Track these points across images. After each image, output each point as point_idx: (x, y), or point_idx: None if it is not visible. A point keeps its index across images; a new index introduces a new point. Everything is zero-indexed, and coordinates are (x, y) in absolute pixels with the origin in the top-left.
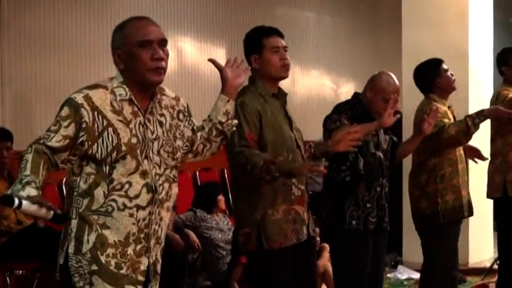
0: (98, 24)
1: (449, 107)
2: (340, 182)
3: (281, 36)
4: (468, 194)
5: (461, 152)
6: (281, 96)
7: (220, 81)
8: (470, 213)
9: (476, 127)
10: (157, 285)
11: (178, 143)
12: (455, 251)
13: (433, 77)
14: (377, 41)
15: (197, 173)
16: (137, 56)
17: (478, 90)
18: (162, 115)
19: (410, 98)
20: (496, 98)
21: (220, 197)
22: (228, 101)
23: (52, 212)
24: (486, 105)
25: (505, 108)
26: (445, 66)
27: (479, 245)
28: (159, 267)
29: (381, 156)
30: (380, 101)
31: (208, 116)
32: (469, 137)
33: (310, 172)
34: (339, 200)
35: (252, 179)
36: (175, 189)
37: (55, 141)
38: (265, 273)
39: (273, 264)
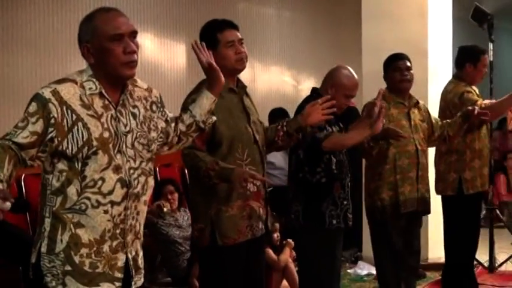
0: (61, 21)
1: (401, 103)
2: (316, 184)
3: (235, 28)
4: (415, 190)
5: (409, 148)
6: (240, 89)
7: (207, 80)
8: (422, 208)
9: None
10: (142, 279)
11: (153, 134)
12: (399, 244)
13: (386, 73)
14: (337, 37)
15: (157, 169)
16: (109, 50)
17: (437, 86)
18: (135, 107)
19: (370, 94)
20: (459, 99)
21: (170, 188)
22: (214, 100)
23: (8, 203)
24: None
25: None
26: (401, 63)
27: (438, 240)
28: (140, 261)
29: (346, 151)
30: (342, 98)
31: (190, 111)
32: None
33: (247, 181)
34: (315, 202)
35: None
36: (151, 182)
37: (22, 138)
38: (218, 269)
39: (226, 260)
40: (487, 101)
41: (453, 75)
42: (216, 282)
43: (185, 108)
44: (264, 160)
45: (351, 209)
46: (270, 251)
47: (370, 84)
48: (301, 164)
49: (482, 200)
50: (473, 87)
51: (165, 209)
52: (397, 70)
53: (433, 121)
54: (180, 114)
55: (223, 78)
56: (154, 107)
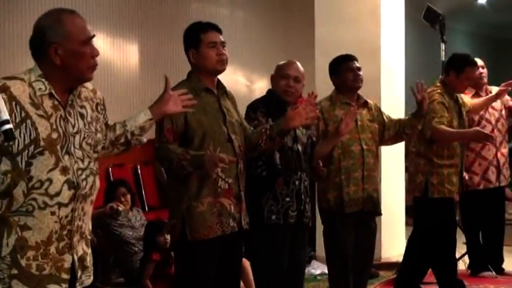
0: (8, 21)
1: (348, 104)
2: (257, 177)
3: (219, 31)
4: (360, 189)
5: (354, 148)
6: (220, 90)
7: (162, 94)
8: (370, 208)
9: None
10: (91, 277)
11: (99, 136)
12: (347, 244)
13: (331, 74)
14: (290, 36)
15: (110, 169)
16: (81, 54)
17: (390, 86)
18: (82, 107)
19: (323, 93)
20: (432, 102)
21: (122, 190)
22: (151, 119)
23: None
24: (398, 100)
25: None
26: (353, 64)
27: (391, 240)
28: (88, 259)
29: (299, 149)
30: (281, 80)
31: (124, 121)
32: None
33: (217, 165)
34: (255, 196)
35: (175, 174)
36: (98, 183)
37: None
38: (188, 264)
39: (196, 255)
40: (475, 100)
41: (439, 79)
42: (186, 277)
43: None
44: (239, 158)
45: (294, 206)
46: None
47: (323, 84)
48: (248, 160)
49: (451, 206)
50: (462, 95)
51: (120, 209)
52: (350, 70)
53: (386, 119)
54: (114, 123)
55: (170, 102)
56: (99, 108)
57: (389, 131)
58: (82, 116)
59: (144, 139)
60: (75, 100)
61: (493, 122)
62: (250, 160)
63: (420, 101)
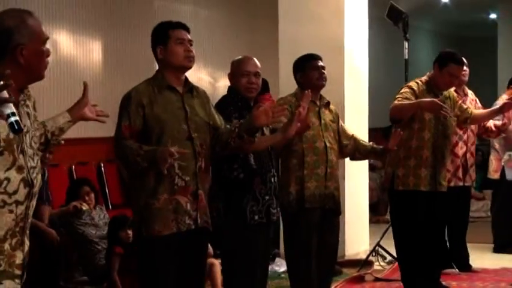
0: None
1: (313, 102)
2: (234, 180)
3: (187, 30)
4: (322, 186)
5: (318, 144)
6: (186, 88)
7: (80, 99)
8: (330, 205)
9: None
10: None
11: (38, 134)
12: (309, 240)
13: (295, 72)
14: (254, 34)
15: (73, 167)
16: (42, 53)
17: (354, 84)
18: (27, 106)
19: (288, 91)
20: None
21: (86, 189)
22: (70, 121)
23: None
24: (362, 98)
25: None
26: (318, 63)
27: (355, 237)
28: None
29: (268, 146)
30: (242, 79)
31: (43, 122)
32: None
33: (166, 161)
34: (235, 198)
35: (132, 170)
36: (40, 179)
37: None
38: (145, 261)
39: (152, 252)
40: (476, 111)
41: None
42: (146, 274)
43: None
44: (198, 156)
45: (274, 203)
46: None
47: (287, 82)
48: (220, 162)
49: (418, 199)
50: (450, 93)
51: (84, 208)
52: (315, 69)
53: (341, 129)
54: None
55: (87, 108)
56: (35, 106)
57: (346, 144)
58: (28, 114)
59: (62, 141)
60: (24, 99)
61: None
62: (226, 163)
63: (389, 149)
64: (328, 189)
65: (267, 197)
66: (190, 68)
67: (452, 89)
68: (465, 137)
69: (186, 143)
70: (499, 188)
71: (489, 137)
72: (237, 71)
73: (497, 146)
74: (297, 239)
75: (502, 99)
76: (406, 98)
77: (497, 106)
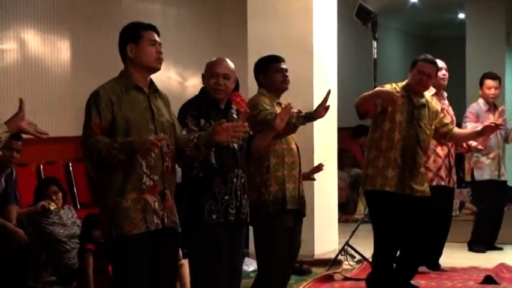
0: None
1: (279, 103)
2: (194, 178)
3: (158, 33)
4: (297, 188)
5: (293, 146)
6: (151, 89)
7: (17, 113)
8: (301, 208)
9: (299, 119)
10: None
11: None
12: (284, 241)
13: (257, 73)
14: (223, 33)
15: (41, 166)
16: None
17: (322, 84)
18: None
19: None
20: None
21: (54, 189)
22: (7, 132)
23: None
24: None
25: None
26: (282, 65)
27: (324, 236)
28: None
29: (235, 146)
30: (211, 79)
31: None
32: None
33: (154, 145)
34: (196, 195)
35: (105, 166)
36: None
37: None
38: (117, 261)
39: (122, 252)
40: (458, 130)
41: None
42: (118, 274)
43: None
44: (165, 155)
45: (233, 204)
46: None
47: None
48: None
49: (385, 199)
50: (431, 104)
51: (52, 208)
52: (279, 71)
53: None
54: None
55: (24, 120)
56: None
57: None
58: None
59: None
60: None
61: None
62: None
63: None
64: (301, 191)
65: (226, 197)
66: (158, 70)
67: (432, 98)
68: None
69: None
70: (473, 189)
71: (457, 150)
72: (208, 71)
73: None
74: (272, 241)
75: (479, 103)
76: None
77: (479, 128)
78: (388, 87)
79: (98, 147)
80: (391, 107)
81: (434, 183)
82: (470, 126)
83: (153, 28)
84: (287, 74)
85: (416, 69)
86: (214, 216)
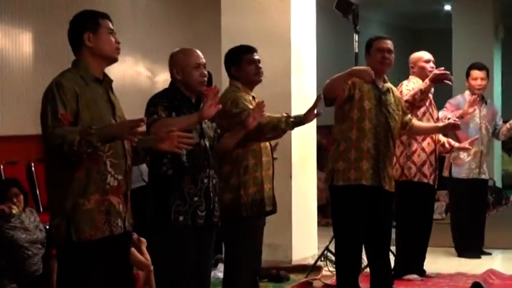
0: None
1: (253, 97)
2: (162, 176)
3: (112, 22)
4: (271, 188)
5: (267, 144)
6: (106, 82)
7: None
8: (274, 209)
9: (288, 125)
10: None
11: None
12: (258, 245)
13: (229, 64)
14: (195, 24)
15: (1, 166)
16: None
17: (300, 78)
18: None
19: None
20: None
21: (14, 191)
22: None
23: None
24: (309, 93)
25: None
26: (255, 56)
27: (302, 241)
28: None
29: (207, 145)
30: (194, 72)
31: None
32: (276, 132)
33: (133, 129)
34: (162, 195)
35: (72, 161)
36: None
37: None
38: (74, 266)
39: (82, 257)
40: (418, 122)
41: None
42: (73, 282)
43: None
44: (127, 154)
45: (203, 206)
46: (135, 252)
47: None
48: (152, 158)
49: (358, 194)
50: (393, 88)
51: (13, 212)
52: (252, 63)
53: None
54: None
55: None
56: None
57: None
58: None
59: None
60: None
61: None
62: (156, 159)
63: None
64: (273, 191)
65: (195, 198)
66: (117, 60)
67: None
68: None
69: (118, 141)
70: (449, 187)
71: (439, 152)
72: (187, 64)
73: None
74: (246, 244)
75: (464, 95)
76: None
77: (441, 124)
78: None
79: (70, 137)
80: (369, 82)
81: (416, 179)
82: (441, 115)
83: (107, 17)
84: (260, 65)
85: (375, 49)
86: (181, 218)
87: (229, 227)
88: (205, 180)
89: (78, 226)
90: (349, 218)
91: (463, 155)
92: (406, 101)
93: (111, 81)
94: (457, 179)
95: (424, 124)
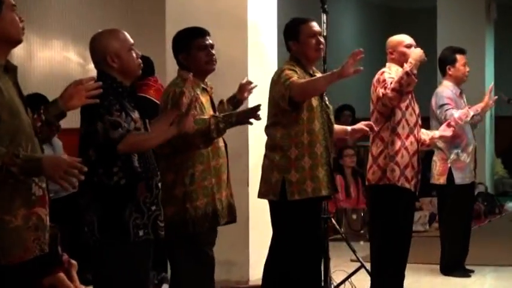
0: None
1: (204, 89)
2: (115, 187)
3: None
4: (228, 195)
5: (220, 144)
6: (10, 70)
7: None
8: (232, 219)
9: (220, 132)
10: None
11: None
12: (207, 263)
13: (177, 51)
14: (135, 5)
15: None
16: None
17: (259, 65)
18: None
19: (175, 71)
20: (278, 76)
21: None
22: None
23: None
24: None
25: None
26: (207, 40)
27: (261, 258)
28: None
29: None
30: (127, 55)
31: None
32: (209, 142)
33: (68, 174)
34: (115, 209)
35: None
36: None
37: None
38: None
39: (10, 283)
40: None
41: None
42: None
43: None
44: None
45: (162, 215)
46: (64, 278)
47: (175, 64)
48: (94, 166)
49: (317, 208)
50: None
51: None
52: (203, 48)
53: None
54: None
55: None
56: None
57: None
58: None
59: None
60: None
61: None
62: (102, 167)
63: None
64: (232, 198)
65: (153, 207)
66: (21, 41)
67: None
68: (415, 130)
69: (35, 140)
70: (446, 195)
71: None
72: (121, 48)
73: (441, 144)
74: (198, 263)
75: (449, 87)
76: (295, 76)
77: (349, 128)
78: (290, 67)
79: None
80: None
81: (399, 183)
82: (457, 114)
83: None
84: (213, 51)
85: (305, 35)
86: (141, 233)
87: (174, 245)
88: (159, 185)
89: (5, 248)
90: (308, 234)
91: (463, 155)
92: (393, 89)
93: (15, 68)
94: (461, 185)
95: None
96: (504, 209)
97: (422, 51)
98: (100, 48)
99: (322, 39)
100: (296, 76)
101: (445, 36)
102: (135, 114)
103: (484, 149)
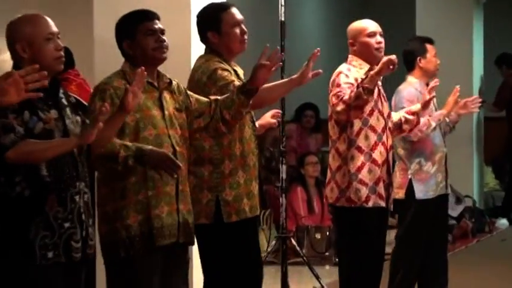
0: None
1: (151, 84)
2: (17, 199)
3: None
4: (175, 211)
5: (169, 149)
6: None
7: None
8: (188, 240)
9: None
10: None
11: None
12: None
13: (120, 38)
14: None
15: None
16: None
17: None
18: None
19: (104, 66)
20: (209, 78)
21: None
22: None
23: None
24: None
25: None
26: (155, 25)
27: None
28: None
29: (75, 149)
30: (45, 44)
31: None
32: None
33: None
34: (19, 226)
35: None
36: None
37: None
38: None
39: None
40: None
41: (205, 49)
42: None
43: None
44: None
45: (78, 234)
46: None
47: (104, 54)
48: None
49: (252, 227)
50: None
51: None
52: (151, 34)
53: (195, 104)
54: None
55: None
56: None
57: (201, 119)
58: None
59: None
60: None
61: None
62: (4, 175)
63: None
64: (181, 214)
65: (66, 224)
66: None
67: None
68: (384, 137)
69: None
70: (406, 211)
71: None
72: (36, 35)
73: (401, 152)
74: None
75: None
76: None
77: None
78: (211, 62)
79: None
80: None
81: (370, 204)
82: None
83: None
84: (163, 37)
85: (228, 25)
86: (50, 255)
87: (109, 272)
88: (77, 198)
89: None
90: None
91: (426, 165)
92: (343, 102)
93: None
94: (423, 200)
95: None
96: (495, 226)
97: (391, 59)
98: (12, 35)
99: (245, 28)
100: (233, 78)
101: (424, 21)
102: (50, 114)
103: (471, 156)
